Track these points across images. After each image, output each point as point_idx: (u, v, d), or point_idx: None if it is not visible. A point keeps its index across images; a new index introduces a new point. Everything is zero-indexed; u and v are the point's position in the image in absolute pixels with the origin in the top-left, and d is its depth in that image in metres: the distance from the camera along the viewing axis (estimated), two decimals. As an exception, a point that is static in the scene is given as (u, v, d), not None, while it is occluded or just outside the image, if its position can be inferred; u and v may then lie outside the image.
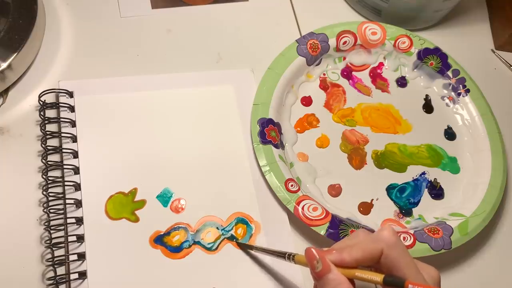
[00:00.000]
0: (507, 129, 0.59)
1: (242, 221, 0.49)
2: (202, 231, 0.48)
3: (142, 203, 0.48)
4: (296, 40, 0.57)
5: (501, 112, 0.59)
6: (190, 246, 0.47)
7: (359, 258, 0.34)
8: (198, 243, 0.47)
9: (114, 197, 0.48)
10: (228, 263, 0.47)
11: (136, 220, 0.47)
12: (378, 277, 0.33)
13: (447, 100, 0.59)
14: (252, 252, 0.48)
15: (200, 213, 0.49)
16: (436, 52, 0.59)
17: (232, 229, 0.48)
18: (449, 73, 0.59)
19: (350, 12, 0.65)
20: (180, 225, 0.48)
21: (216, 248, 0.47)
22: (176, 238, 0.47)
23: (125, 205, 0.47)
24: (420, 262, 0.36)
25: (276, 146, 0.52)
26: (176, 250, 0.47)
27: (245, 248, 0.48)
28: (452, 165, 0.56)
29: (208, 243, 0.47)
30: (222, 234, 0.48)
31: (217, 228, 0.48)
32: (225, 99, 0.54)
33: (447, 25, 0.66)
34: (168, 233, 0.47)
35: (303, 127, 0.55)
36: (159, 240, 0.47)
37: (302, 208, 0.48)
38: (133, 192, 0.48)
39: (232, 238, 0.48)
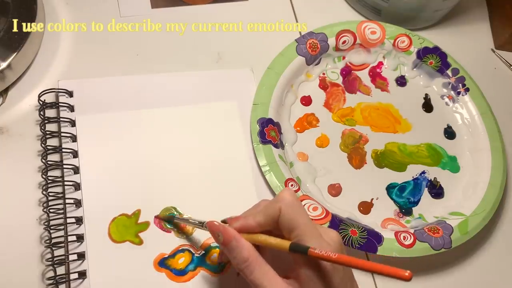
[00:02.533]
0: (507, 128, 0.59)
1: None
2: (208, 253, 0.47)
3: (146, 225, 0.47)
4: (295, 40, 0.57)
5: (501, 111, 0.59)
6: (195, 268, 0.46)
7: (262, 221, 0.37)
8: (203, 265, 0.46)
9: (117, 219, 0.47)
10: (234, 285, 0.46)
11: (140, 242, 0.46)
12: (285, 244, 0.35)
13: (446, 99, 0.59)
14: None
15: (205, 234, 0.47)
16: (436, 51, 0.59)
17: None
18: (449, 72, 0.59)
19: (350, 12, 0.65)
20: (184, 247, 0.47)
21: (222, 270, 0.46)
22: (181, 261, 0.46)
23: (129, 227, 0.46)
24: (322, 226, 0.38)
25: (276, 146, 0.52)
26: (181, 273, 0.45)
27: (165, 220, 0.47)
28: (452, 164, 0.56)
29: (214, 265, 0.46)
30: None
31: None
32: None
33: (447, 25, 0.66)
34: (172, 255, 0.46)
35: (303, 127, 0.55)
36: (164, 263, 0.46)
37: (302, 208, 0.48)
38: (136, 214, 0.47)
39: None
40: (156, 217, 0.47)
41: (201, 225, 0.42)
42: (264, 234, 0.37)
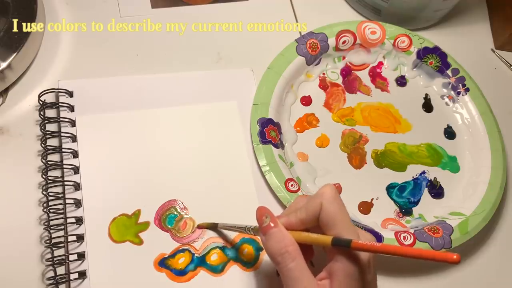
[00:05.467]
0: (506, 128, 0.59)
1: (248, 241, 0.48)
2: (208, 253, 0.47)
3: (146, 225, 0.47)
4: (295, 40, 0.57)
5: (501, 111, 0.59)
6: (195, 268, 0.46)
7: (304, 218, 0.36)
8: (203, 265, 0.46)
9: (117, 219, 0.47)
10: (234, 285, 0.46)
11: (140, 242, 0.46)
12: (327, 238, 0.35)
13: (446, 99, 0.59)
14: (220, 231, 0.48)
15: (206, 235, 0.47)
16: (436, 51, 0.59)
17: (238, 250, 0.47)
18: (449, 72, 0.59)
19: (350, 12, 0.65)
20: (184, 247, 0.47)
21: (222, 270, 0.46)
22: (181, 261, 0.46)
23: (129, 227, 0.46)
24: (358, 228, 0.38)
25: (276, 146, 0.52)
26: (181, 273, 0.45)
27: (208, 228, 0.47)
28: (452, 164, 0.56)
29: (214, 265, 0.46)
30: (228, 255, 0.47)
31: (223, 249, 0.47)
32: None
33: (447, 25, 0.66)
34: (172, 255, 0.46)
35: (303, 127, 0.55)
36: (164, 263, 0.46)
37: (302, 208, 0.48)
38: (136, 214, 0.47)
39: (237, 259, 0.47)
40: (199, 226, 0.48)
41: (244, 228, 0.42)
42: (305, 232, 0.37)
